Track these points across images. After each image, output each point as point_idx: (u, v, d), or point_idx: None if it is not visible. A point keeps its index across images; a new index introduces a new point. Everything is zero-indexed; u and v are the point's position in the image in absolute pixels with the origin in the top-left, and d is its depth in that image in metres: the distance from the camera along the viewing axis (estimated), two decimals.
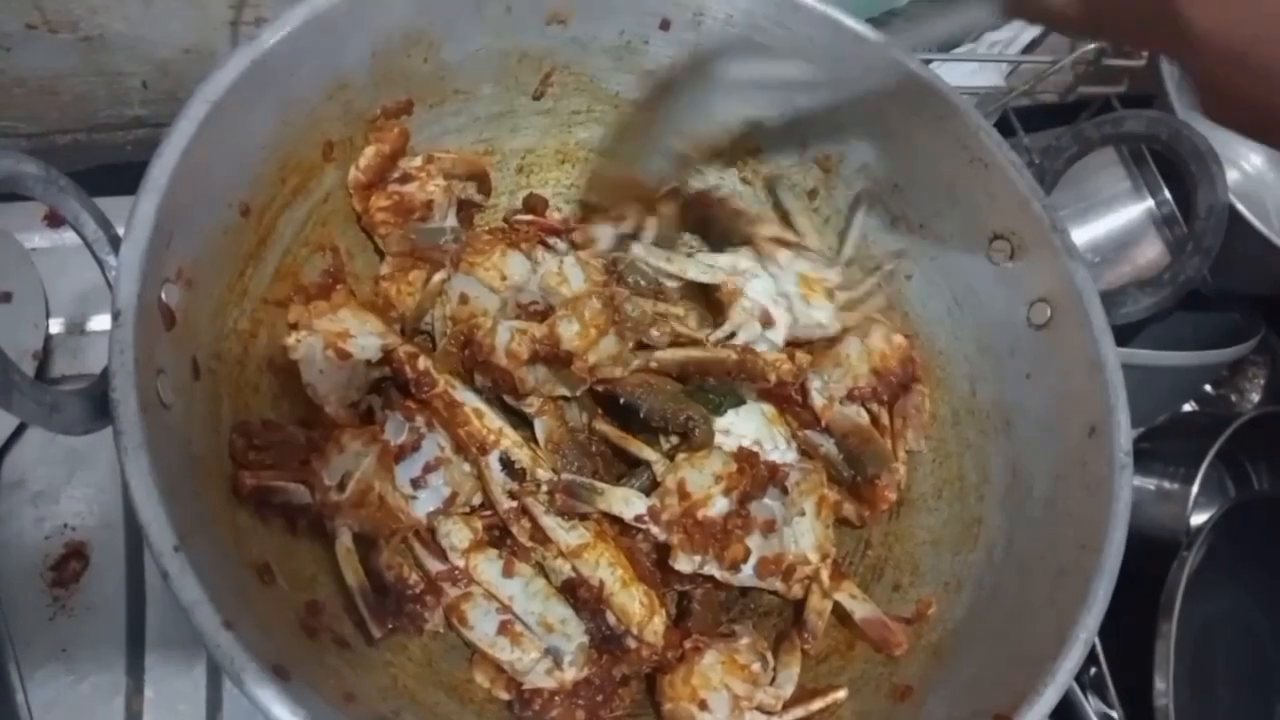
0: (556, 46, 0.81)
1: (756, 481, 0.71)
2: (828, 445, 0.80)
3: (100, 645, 0.71)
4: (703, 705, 0.65)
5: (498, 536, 0.72)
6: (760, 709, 0.67)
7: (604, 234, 0.82)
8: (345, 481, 0.66)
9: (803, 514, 0.72)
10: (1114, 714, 1.05)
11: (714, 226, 0.87)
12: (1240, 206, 1.04)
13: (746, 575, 0.70)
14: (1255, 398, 1.44)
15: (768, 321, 0.80)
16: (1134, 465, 1.21)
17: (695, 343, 0.79)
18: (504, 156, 0.86)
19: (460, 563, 0.69)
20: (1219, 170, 0.71)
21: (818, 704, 0.67)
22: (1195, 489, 1.15)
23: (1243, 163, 1.36)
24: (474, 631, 0.67)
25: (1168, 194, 1.11)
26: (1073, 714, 1.03)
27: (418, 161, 0.77)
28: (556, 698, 0.66)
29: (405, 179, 0.75)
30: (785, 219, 0.87)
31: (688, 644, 0.68)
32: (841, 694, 0.68)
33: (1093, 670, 1.08)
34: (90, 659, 0.70)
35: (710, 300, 0.83)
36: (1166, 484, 1.20)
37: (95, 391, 0.54)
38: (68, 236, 0.84)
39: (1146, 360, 1.08)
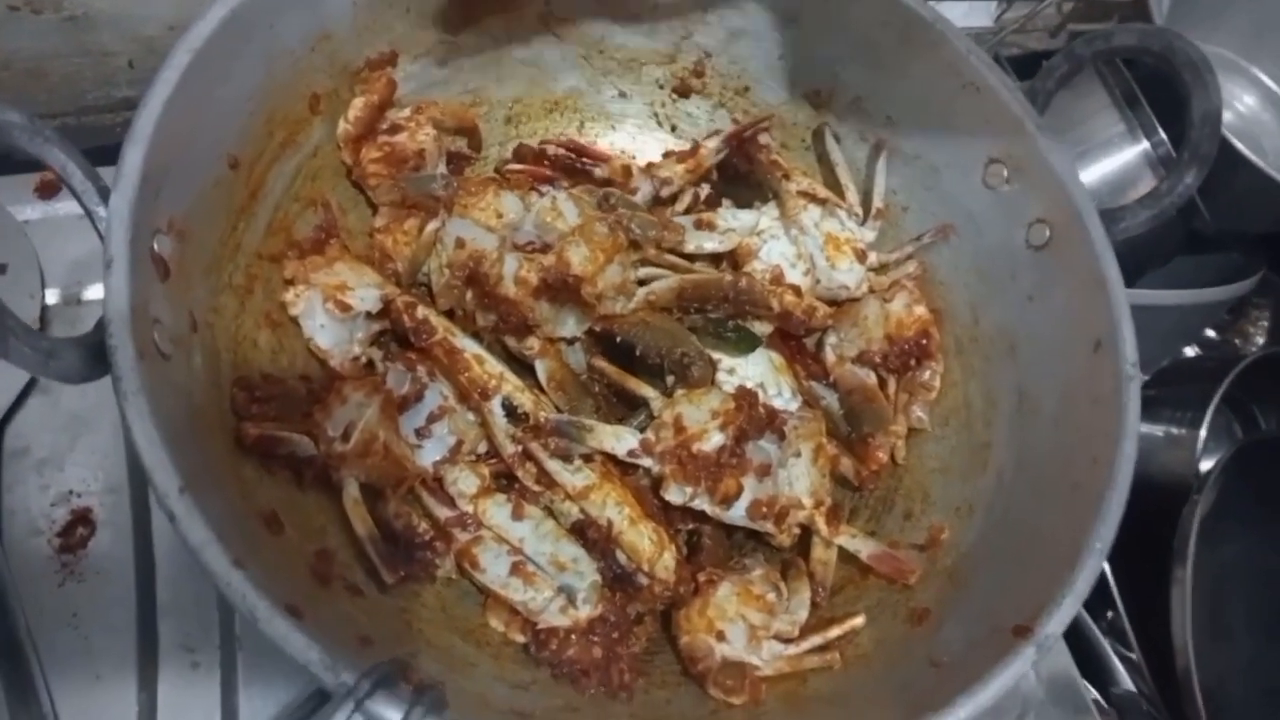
0: None
1: (754, 421, 0.71)
2: (830, 399, 0.80)
3: (110, 609, 0.71)
4: (720, 636, 0.65)
5: (505, 482, 0.72)
6: (778, 637, 0.66)
7: (645, 188, 0.81)
8: (349, 432, 0.65)
9: (798, 456, 0.71)
10: (1134, 657, 1.06)
11: (747, 180, 0.86)
12: (1237, 143, 1.03)
13: (738, 514, 0.70)
14: (1260, 340, 1.44)
15: (778, 281, 0.80)
16: (1141, 412, 1.22)
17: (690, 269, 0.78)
18: (491, 107, 0.85)
19: (469, 509, 0.68)
20: (1212, 78, 0.70)
21: (835, 631, 0.67)
22: (1203, 433, 1.15)
23: (1236, 104, 1.35)
24: (486, 574, 0.67)
25: (1163, 135, 1.10)
26: (1094, 657, 1.03)
27: (406, 112, 0.76)
28: (572, 636, 0.65)
29: (395, 129, 0.75)
30: (830, 171, 0.86)
31: (701, 577, 0.68)
32: (859, 620, 0.68)
33: (1110, 614, 1.08)
34: (101, 623, 0.70)
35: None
36: (1174, 430, 1.20)
37: (92, 340, 0.53)
38: (60, 208, 0.84)
39: (1148, 300, 1.08)
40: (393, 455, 0.67)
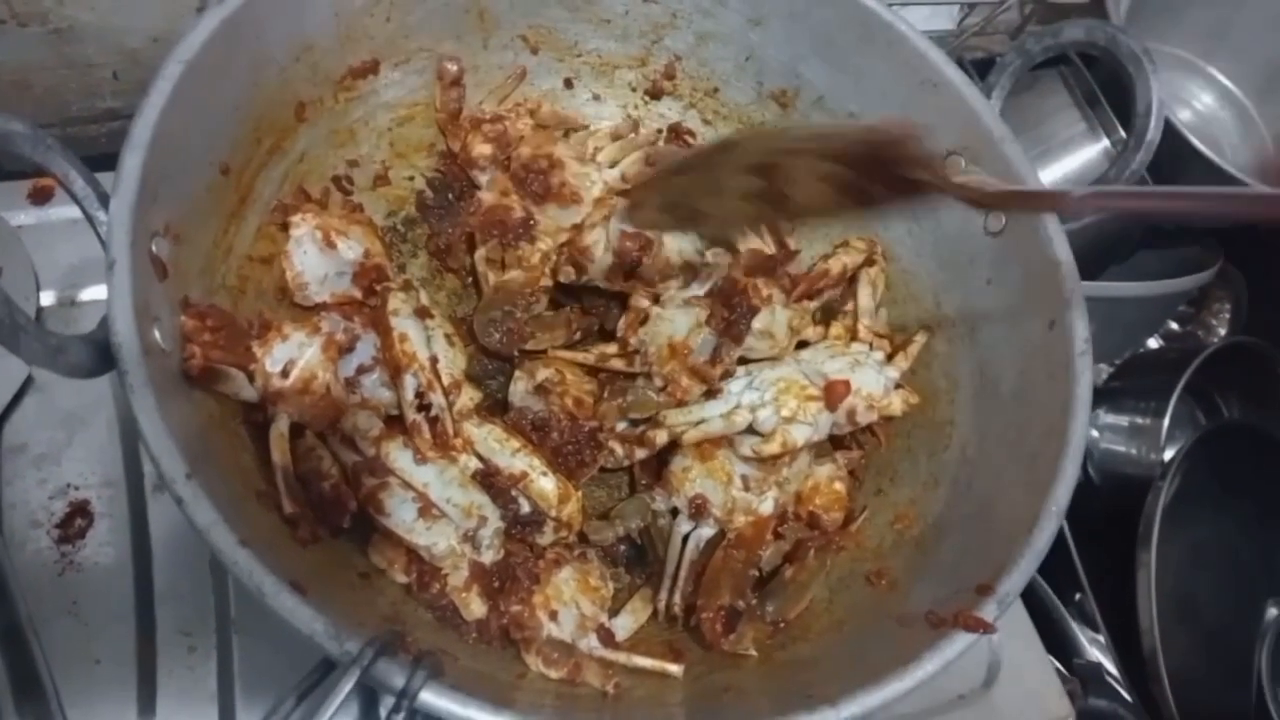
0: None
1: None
2: None
3: (109, 597, 0.73)
4: (553, 616, 0.67)
5: None
6: (597, 633, 0.69)
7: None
8: (289, 369, 0.67)
9: None
10: (1101, 639, 1.09)
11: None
12: (1195, 141, 1.08)
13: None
14: (1221, 331, 1.48)
15: None
16: (1105, 404, 1.24)
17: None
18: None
19: (370, 451, 0.70)
20: (1154, 68, 0.74)
21: (645, 663, 0.68)
22: (1166, 422, 1.19)
23: (1194, 103, 1.40)
24: (391, 519, 0.67)
25: (1123, 133, 1.15)
26: (1060, 635, 1.07)
27: (508, 105, 0.86)
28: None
29: (496, 120, 0.84)
30: None
31: (549, 554, 0.71)
32: (674, 668, 0.68)
33: (1078, 597, 1.12)
34: (100, 610, 0.72)
35: None
36: (1139, 419, 1.24)
37: (97, 336, 0.55)
38: (53, 213, 0.86)
39: (1111, 292, 1.12)
40: (330, 397, 0.68)
